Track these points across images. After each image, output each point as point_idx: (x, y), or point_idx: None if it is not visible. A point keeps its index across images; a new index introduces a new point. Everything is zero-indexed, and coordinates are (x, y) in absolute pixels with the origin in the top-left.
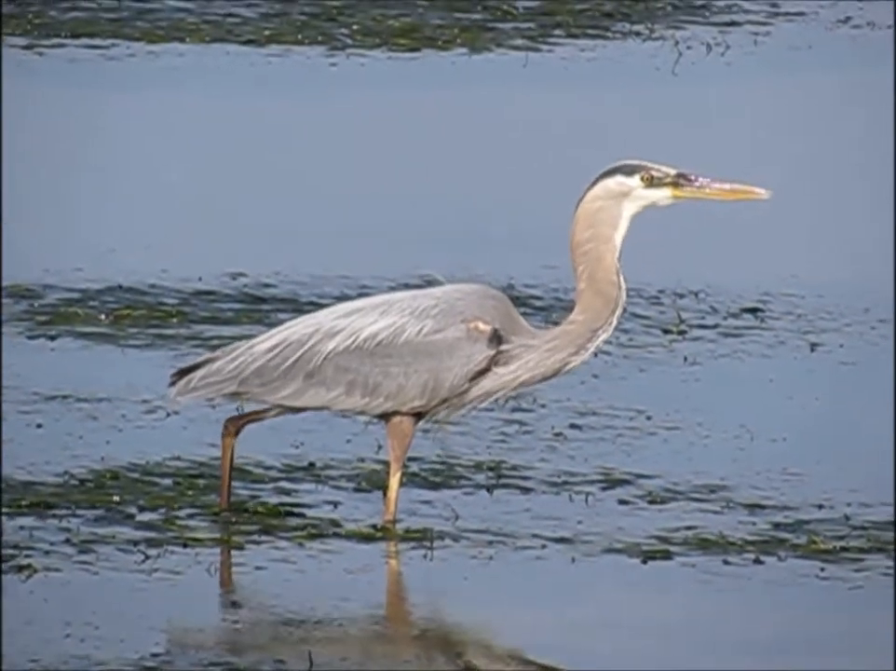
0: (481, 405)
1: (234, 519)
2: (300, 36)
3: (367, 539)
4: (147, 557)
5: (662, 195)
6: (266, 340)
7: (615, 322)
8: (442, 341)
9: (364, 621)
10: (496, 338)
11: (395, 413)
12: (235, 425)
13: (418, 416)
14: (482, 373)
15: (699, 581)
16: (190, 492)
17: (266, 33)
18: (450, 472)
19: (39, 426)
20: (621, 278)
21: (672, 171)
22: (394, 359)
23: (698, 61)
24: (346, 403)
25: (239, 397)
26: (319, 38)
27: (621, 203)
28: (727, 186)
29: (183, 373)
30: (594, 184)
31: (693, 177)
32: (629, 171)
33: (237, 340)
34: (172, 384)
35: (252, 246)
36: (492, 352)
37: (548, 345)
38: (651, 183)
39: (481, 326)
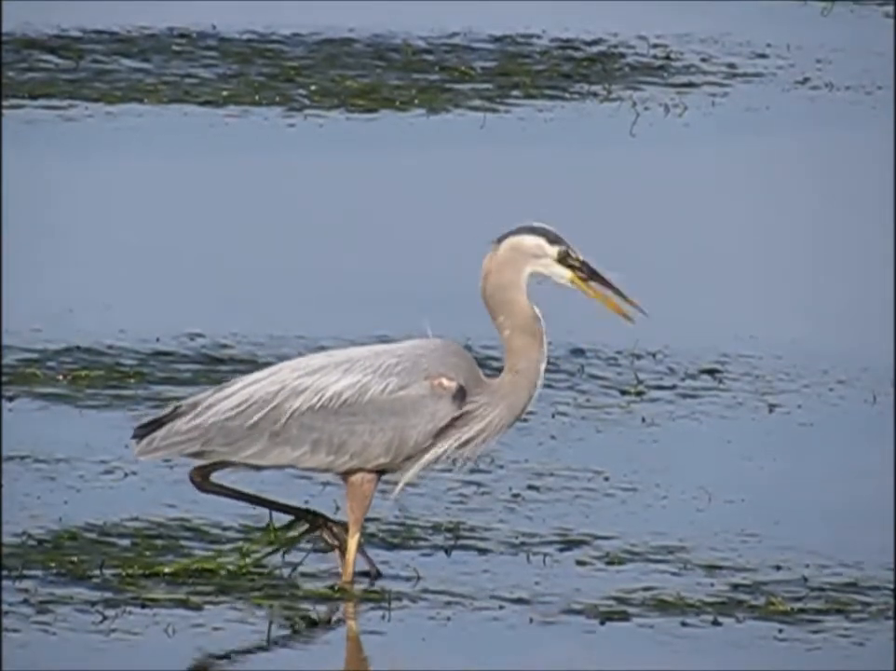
0: (471, 458)
1: (191, 580)
2: (258, 97)
3: (325, 599)
4: (105, 618)
5: (563, 275)
6: (229, 398)
7: (546, 350)
8: (407, 398)
9: None
10: (461, 395)
11: (359, 470)
12: (200, 472)
13: (380, 474)
14: (448, 429)
15: (656, 642)
16: (148, 553)
17: (224, 93)
18: (408, 533)
19: None
20: (536, 309)
21: (580, 258)
22: (359, 417)
23: (655, 122)
24: (311, 461)
25: (203, 456)
26: (277, 99)
27: (528, 262)
28: (604, 308)
29: (145, 427)
30: (514, 234)
31: (594, 272)
32: (553, 239)
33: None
34: (135, 437)
35: (210, 307)
36: (456, 409)
37: (507, 400)
38: (563, 260)
39: (446, 383)
